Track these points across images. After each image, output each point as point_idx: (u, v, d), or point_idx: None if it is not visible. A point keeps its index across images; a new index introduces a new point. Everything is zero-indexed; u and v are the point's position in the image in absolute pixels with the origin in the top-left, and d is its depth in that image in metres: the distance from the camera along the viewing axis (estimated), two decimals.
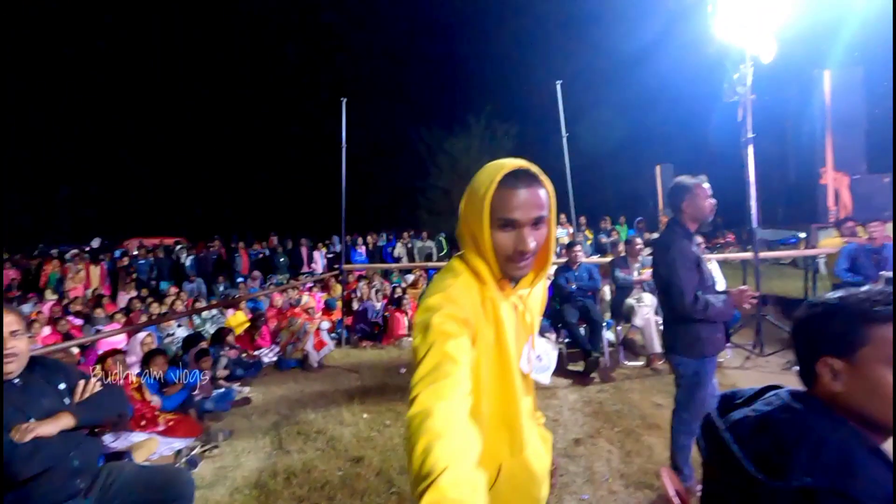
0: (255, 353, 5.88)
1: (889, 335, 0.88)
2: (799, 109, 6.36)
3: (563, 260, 5.76)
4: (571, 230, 9.49)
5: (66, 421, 1.74)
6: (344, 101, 6.44)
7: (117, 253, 12.82)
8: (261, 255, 11.59)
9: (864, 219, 5.58)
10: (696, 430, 2.80)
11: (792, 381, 1.02)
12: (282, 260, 11.33)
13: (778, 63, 5.27)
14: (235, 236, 12.83)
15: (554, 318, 5.71)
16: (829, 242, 5.79)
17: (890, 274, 4.62)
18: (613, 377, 4.82)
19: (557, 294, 5.62)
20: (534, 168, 1.04)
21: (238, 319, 6.37)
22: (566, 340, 5.39)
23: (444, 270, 1.12)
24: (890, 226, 5.47)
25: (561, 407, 4.08)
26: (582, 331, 5.22)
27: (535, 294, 1.21)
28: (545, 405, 4.12)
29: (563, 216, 10.79)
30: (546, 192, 1.04)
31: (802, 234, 8.44)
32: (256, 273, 10.34)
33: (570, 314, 5.27)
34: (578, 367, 5.03)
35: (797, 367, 1.02)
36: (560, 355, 5.34)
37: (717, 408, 1.07)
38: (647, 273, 5.48)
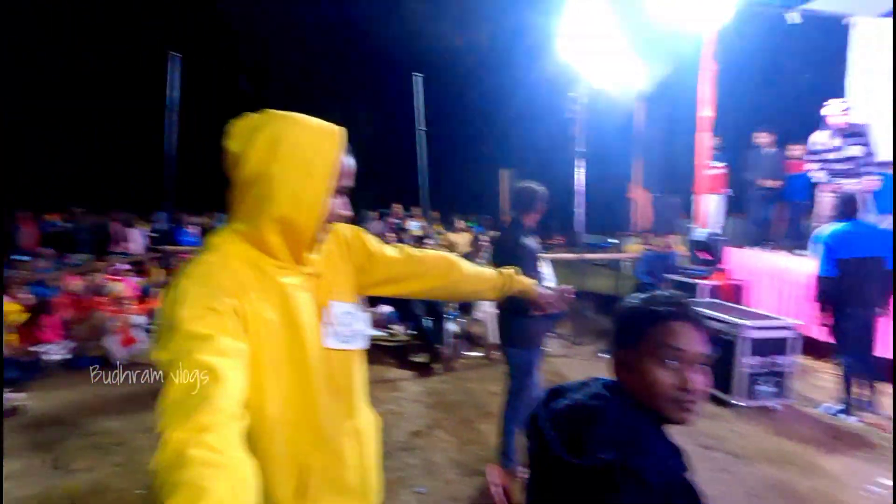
0: (36, 349, 4.75)
1: (663, 332, 0.99)
2: (618, 133, 7.48)
3: None
4: (424, 223, 9.67)
5: None
6: (176, 55, 5.54)
7: None
8: (55, 228, 9.49)
9: (659, 231, 6.74)
10: (524, 416, 3.03)
11: (602, 367, 1.10)
12: (83, 235, 9.43)
13: (606, 90, 6.05)
14: (17, 202, 10.29)
15: (401, 310, 5.76)
16: (632, 249, 6.88)
17: (675, 276, 5.64)
18: (455, 367, 5.01)
19: None
20: None
21: (9, 309, 5.03)
22: (412, 332, 5.46)
23: (199, 250, 0.93)
24: (676, 237, 6.70)
25: (403, 399, 4.10)
26: (428, 322, 5.33)
27: (330, 253, 1.09)
28: (388, 397, 4.10)
29: (417, 210, 10.98)
30: None
31: (615, 241, 9.89)
32: (49, 250, 8.41)
33: (416, 306, 5.35)
34: (423, 358, 5.13)
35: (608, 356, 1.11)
36: (405, 347, 5.40)
37: (543, 401, 1.11)
38: None
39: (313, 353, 0.97)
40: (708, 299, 4.83)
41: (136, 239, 10.04)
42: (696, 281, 5.11)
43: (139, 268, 7.71)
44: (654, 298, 1.04)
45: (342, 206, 1.01)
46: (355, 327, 1.06)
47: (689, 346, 0.98)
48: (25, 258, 8.41)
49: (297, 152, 0.92)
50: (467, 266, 1.34)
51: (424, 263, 1.26)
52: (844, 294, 3.55)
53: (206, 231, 10.68)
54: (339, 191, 0.99)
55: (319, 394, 0.98)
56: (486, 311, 5.51)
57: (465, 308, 5.74)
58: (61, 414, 3.68)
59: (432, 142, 6.58)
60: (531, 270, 2.65)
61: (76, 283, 5.91)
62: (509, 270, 1.44)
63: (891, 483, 2.86)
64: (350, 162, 1.00)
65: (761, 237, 6.23)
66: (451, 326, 5.69)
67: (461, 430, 3.48)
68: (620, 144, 7.48)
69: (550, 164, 8.68)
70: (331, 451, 1.01)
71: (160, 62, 5.54)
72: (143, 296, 6.17)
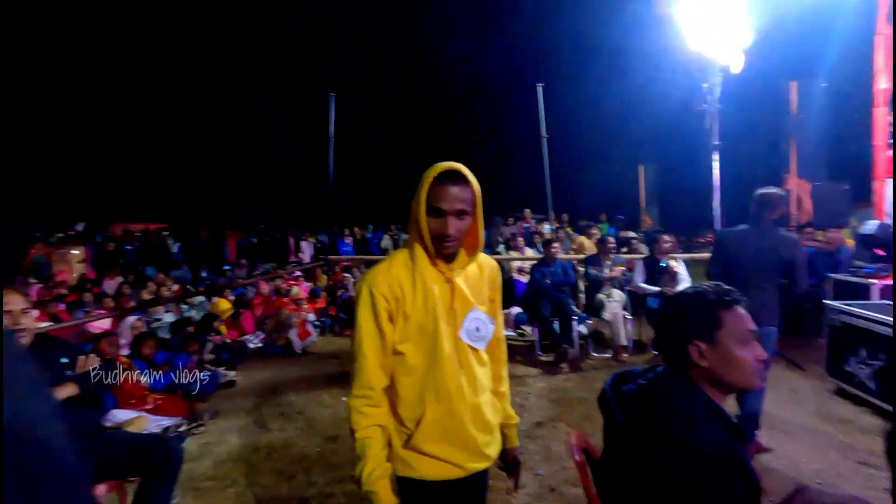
0: (241, 338, 6.07)
1: (734, 319, 1.14)
2: (767, 118, 6.69)
3: (541, 256, 6.02)
4: (552, 227, 9.75)
5: (70, 389, 1.95)
6: (332, 96, 6.62)
7: (98, 237, 12.79)
8: (248, 244, 11.72)
9: (821, 224, 5.92)
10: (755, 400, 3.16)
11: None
12: (269, 249, 11.47)
13: (747, 73, 5.55)
14: (223, 224, 12.92)
15: (529, 311, 6.00)
16: None
17: (840, 275, 4.95)
18: (581, 367, 5.11)
19: (533, 288, 5.89)
20: (463, 169, 1.30)
21: (222, 306, 6.54)
22: (539, 332, 5.67)
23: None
24: (846, 231, 5.81)
25: (528, 394, 4.37)
26: (556, 324, 5.49)
27: (472, 274, 1.42)
28: (514, 391, 4.36)
29: (551, 213, 11.10)
30: (472, 191, 1.30)
31: None
32: (244, 261, 10.47)
33: (543, 307, 5.55)
34: (549, 357, 5.32)
35: (662, 350, 1.28)
36: (532, 345, 5.64)
37: (611, 384, 1.32)
38: (618, 270, 5.77)
39: (446, 336, 1.34)
40: (880, 301, 4.18)
41: (306, 250, 11.88)
42: (867, 280, 4.44)
43: (309, 274, 9.18)
44: (712, 291, 1.20)
45: (439, 225, 1.28)
46: (482, 332, 1.41)
47: (753, 325, 1.16)
48: (228, 267, 10.59)
49: (418, 186, 1.31)
50: (500, 367, 1.56)
51: (495, 337, 1.51)
52: None
53: (358, 242, 12.17)
54: (435, 212, 1.27)
55: (448, 368, 1.34)
56: (615, 312, 5.48)
57: (593, 309, 5.76)
58: (258, 388, 4.73)
59: (564, 146, 6.74)
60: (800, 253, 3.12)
61: (265, 287, 7.36)
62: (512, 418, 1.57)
63: None
64: (443, 189, 1.26)
65: None
66: (579, 328, 5.76)
67: (582, 425, 3.63)
68: (770, 132, 6.71)
69: (691, 158, 8.13)
70: (448, 410, 1.35)
71: (324, 102, 6.67)
72: (313, 297, 7.40)
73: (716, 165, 5.22)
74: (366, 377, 1.30)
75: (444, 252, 1.31)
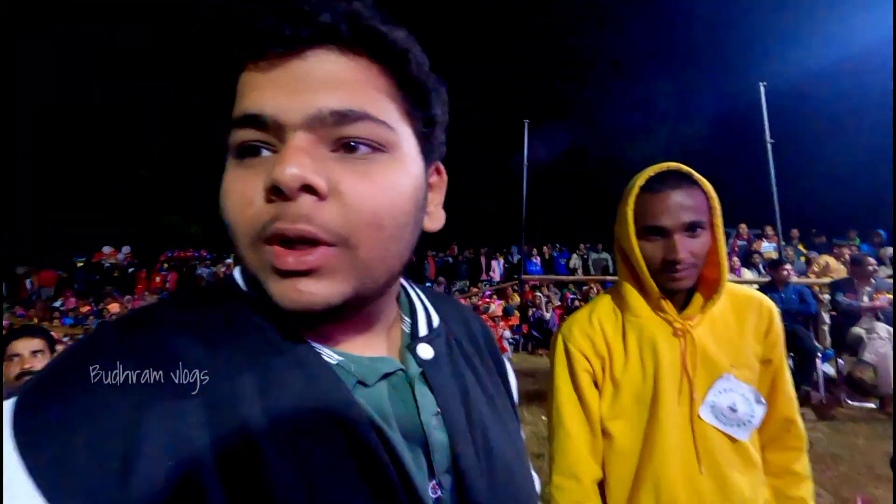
0: None
1: None
2: None
3: (767, 279, 5.20)
4: (774, 245, 8.31)
5: None
6: (526, 122, 6.90)
7: None
8: (445, 263, 12.80)
9: None
10: None
11: None
12: (463, 267, 12.33)
13: None
14: (421, 244, 14.37)
15: None
16: None
17: None
18: (832, 416, 4.21)
19: None
20: (685, 169, 0.94)
21: None
22: None
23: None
24: None
25: None
26: (789, 361, 4.65)
27: (722, 320, 0.97)
28: None
29: (769, 228, 9.48)
30: (704, 195, 0.93)
31: None
32: (441, 279, 11.46)
33: None
34: None
35: None
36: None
37: None
38: (884, 298, 4.62)
39: (673, 414, 0.92)
40: None
41: (496, 269, 12.42)
42: None
43: (500, 292, 9.58)
44: None
45: (662, 249, 0.91)
46: (742, 413, 0.92)
47: None
48: (430, 285, 11.72)
49: (620, 204, 0.99)
50: (793, 460, 0.99)
51: (783, 418, 0.98)
52: None
53: (546, 261, 12.23)
54: (652, 231, 0.92)
55: (675, 463, 0.91)
56: (881, 351, 4.38)
57: (847, 347, 4.70)
58: None
59: (788, 149, 5.76)
60: None
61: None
62: None
63: None
64: (660, 198, 0.91)
65: None
66: (825, 368, 4.76)
67: (841, 487, 2.98)
68: None
69: None
70: None
71: (518, 128, 7.02)
72: (506, 315, 7.70)
73: None
74: (569, 461, 0.95)
75: (674, 287, 0.92)
